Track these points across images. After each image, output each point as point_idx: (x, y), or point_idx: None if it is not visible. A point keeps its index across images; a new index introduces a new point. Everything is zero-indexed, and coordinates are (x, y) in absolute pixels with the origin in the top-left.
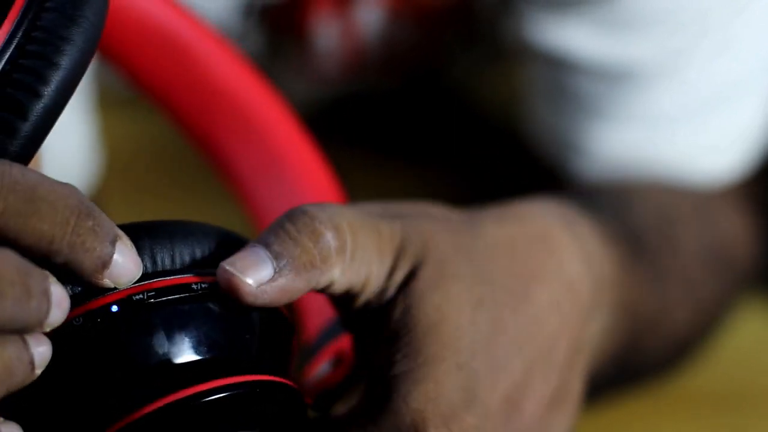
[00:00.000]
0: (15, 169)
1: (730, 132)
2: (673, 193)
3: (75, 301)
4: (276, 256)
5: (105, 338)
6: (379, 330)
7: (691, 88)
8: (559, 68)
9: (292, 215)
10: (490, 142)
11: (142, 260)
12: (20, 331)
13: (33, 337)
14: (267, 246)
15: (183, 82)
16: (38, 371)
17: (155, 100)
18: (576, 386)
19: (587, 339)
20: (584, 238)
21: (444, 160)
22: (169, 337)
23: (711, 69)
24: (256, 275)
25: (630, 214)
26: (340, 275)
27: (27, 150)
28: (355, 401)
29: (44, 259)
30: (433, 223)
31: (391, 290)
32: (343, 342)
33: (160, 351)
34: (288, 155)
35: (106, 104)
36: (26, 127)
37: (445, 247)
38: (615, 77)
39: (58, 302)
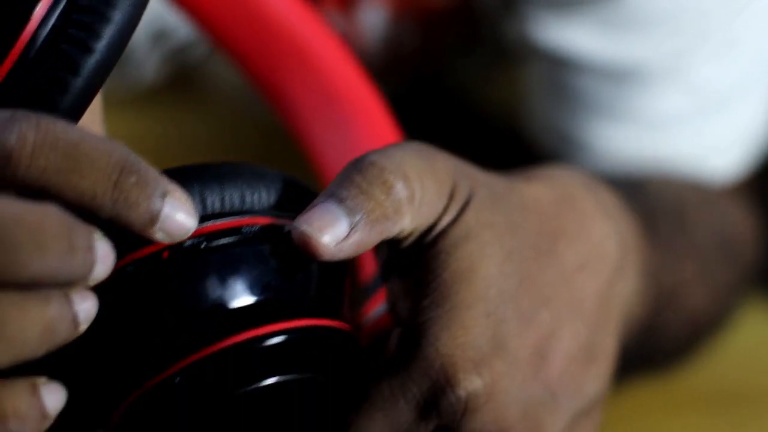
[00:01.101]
0: (58, 126)
1: (732, 131)
2: (683, 183)
3: (126, 248)
4: (350, 212)
5: (157, 285)
6: (410, 273)
7: (694, 87)
8: (562, 68)
9: (361, 167)
10: (492, 142)
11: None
12: (65, 286)
13: (77, 293)
14: (340, 201)
15: (247, 24)
16: (82, 328)
17: (219, 41)
18: (608, 345)
19: (617, 299)
20: (607, 204)
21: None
22: (222, 281)
23: (714, 69)
24: (332, 234)
25: (645, 195)
26: (408, 223)
27: (77, 106)
28: (388, 346)
29: (87, 214)
30: (474, 171)
31: (434, 233)
32: (377, 300)
33: (213, 296)
34: (347, 96)
35: (108, 104)
36: (78, 83)
37: (485, 195)
38: (618, 77)
39: (103, 257)
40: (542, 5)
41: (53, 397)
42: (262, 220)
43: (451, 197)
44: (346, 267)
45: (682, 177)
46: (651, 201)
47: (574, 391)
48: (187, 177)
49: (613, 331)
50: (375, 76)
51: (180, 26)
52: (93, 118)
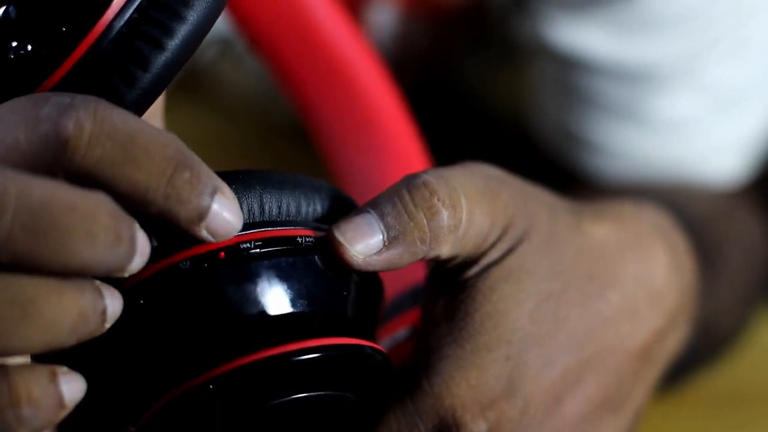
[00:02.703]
0: (116, 116)
1: (743, 133)
2: (709, 196)
3: (180, 245)
4: (388, 228)
5: (210, 285)
6: (446, 302)
7: (705, 89)
8: (573, 69)
9: (412, 185)
10: (501, 143)
11: (251, 208)
12: (104, 275)
13: (107, 289)
14: (381, 216)
15: (287, 33)
16: (108, 325)
17: (258, 46)
18: (639, 395)
19: (663, 351)
20: (677, 248)
21: (455, 161)
22: (271, 290)
23: (725, 71)
24: (365, 246)
25: (690, 221)
26: (448, 250)
27: (143, 101)
28: (400, 372)
29: (135, 207)
30: (539, 207)
31: (477, 267)
32: (405, 320)
33: (260, 303)
34: (381, 120)
35: None
36: (146, 78)
37: (539, 238)
38: (629, 78)
39: (142, 250)
40: (555, 5)
41: (72, 387)
42: (317, 233)
43: (503, 233)
44: (383, 289)
45: (704, 188)
46: (694, 224)
47: None
48: (249, 179)
49: (650, 381)
50: None
51: None
52: (155, 113)
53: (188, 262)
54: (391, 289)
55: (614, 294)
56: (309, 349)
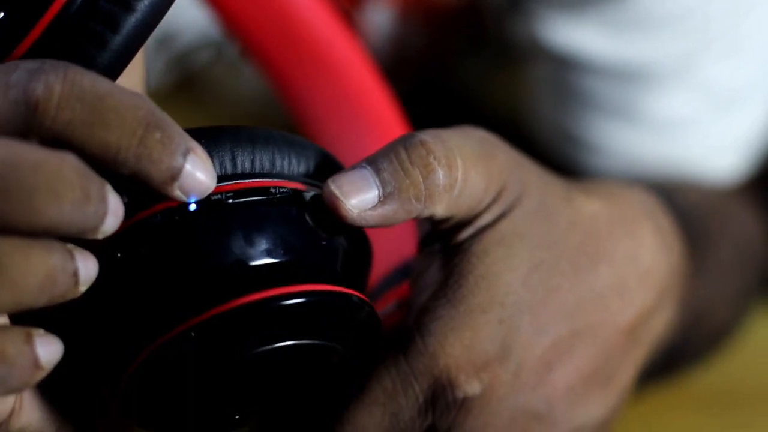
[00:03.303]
0: (86, 78)
1: (739, 132)
2: (703, 190)
3: (153, 199)
4: (383, 183)
5: (183, 236)
6: (440, 265)
7: (701, 88)
8: (569, 69)
9: (409, 143)
10: None
11: (222, 162)
12: (77, 235)
13: (79, 251)
14: (377, 172)
15: (274, 27)
16: (82, 288)
17: (244, 40)
18: (625, 373)
19: (650, 329)
20: (665, 232)
21: None
22: (246, 238)
23: (721, 69)
24: (360, 200)
25: (679, 208)
26: (443, 209)
27: (115, 64)
28: (393, 333)
29: (107, 168)
30: (531, 175)
31: (470, 229)
32: (407, 288)
33: (237, 251)
34: (365, 106)
35: None
36: (116, 41)
37: (532, 204)
38: (626, 78)
39: (114, 210)
40: (550, 5)
41: (48, 349)
42: (292, 184)
43: (497, 197)
44: (371, 246)
45: (697, 182)
46: (686, 214)
47: (574, 410)
48: (221, 136)
49: (636, 360)
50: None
51: (184, 31)
52: (134, 86)
53: (159, 216)
54: (381, 266)
55: (605, 269)
56: (291, 294)
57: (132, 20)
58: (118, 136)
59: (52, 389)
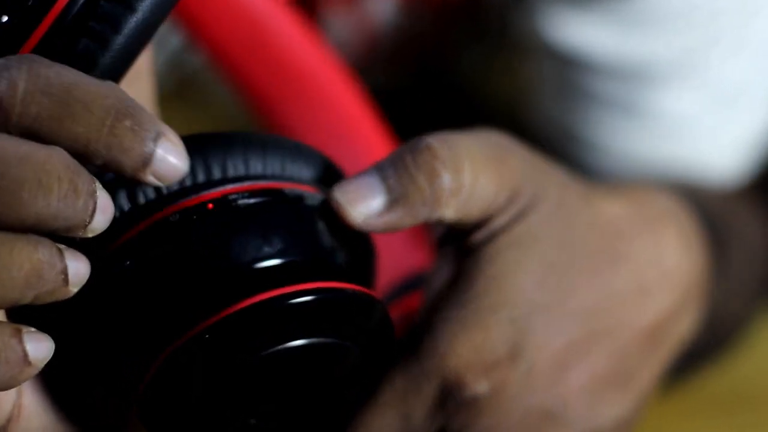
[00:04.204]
0: (51, 71)
1: (744, 131)
2: (713, 190)
3: (169, 200)
4: (389, 190)
5: (200, 235)
6: (446, 268)
7: (706, 86)
8: (572, 66)
9: (415, 148)
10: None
11: (236, 165)
12: (65, 231)
13: (70, 251)
14: (383, 179)
15: (252, 51)
16: (73, 289)
17: (209, 51)
18: (645, 376)
19: (673, 332)
20: (689, 233)
21: None
22: (262, 238)
23: (726, 68)
24: (366, 208)
25: (701, 208)
26: (451, 214)
27: (118, 64)
28: (404, 333)
29: (82, 161)
30: (549, 178)
31: (485, 231)
32: (413, 300)
33: (252, 251)
34: (350, 129)
35: None
36: (118, 41)
37: (548, 207)
38: (630, 76)
39: (104, 208)
40: (554, 1)
41: (37, 345)
42: (303, 187)
43: (511, 199)
44: (373, 248)
45: (702, 183)
46: (713, 221)
47: (590, 411)
48: (233, 140)
49: (658, 363)
50: (383, 66)
51: (177, 33)
52: (145, 99)
53: (177, 215)
54: (387, 277)
55: (624, 270)
56: (305, 291)
57: (134, 20)
58: (86, 128)
59: (59, 400)
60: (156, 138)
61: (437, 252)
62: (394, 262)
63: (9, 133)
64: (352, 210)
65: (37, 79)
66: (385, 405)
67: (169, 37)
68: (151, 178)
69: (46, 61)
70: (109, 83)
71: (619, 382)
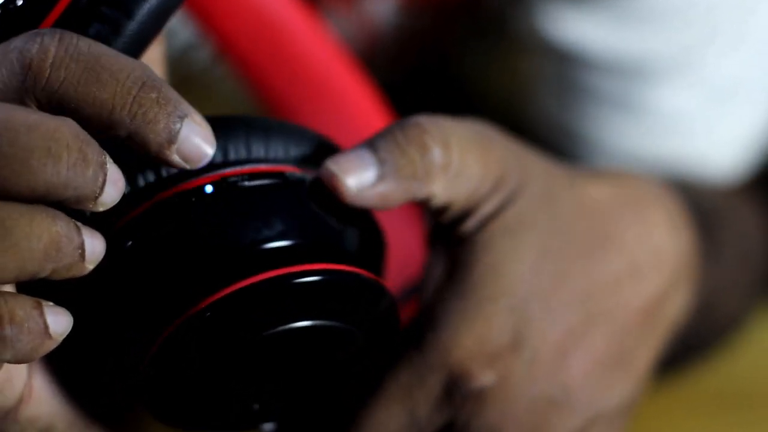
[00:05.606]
0: (81, 41)
1: (742, 129)
2: (706, 185)
3: (170, 182)
4: (381, 162)
5: (199, 217)
6: (447, 257)
7: (704, 83)
8: (570, 63)
9: (405, 124)
10: None
11: (237, 148)
12: (75, 202)
13: (86, 228)
14: (374, 150)
15: (261, 43)
16: (89, 266)
17: (217, 40)
18: (643, 356)
19: (667, 311)
20: (673, 213)
21: None
22: (263, 219)
23: (724, 64)
24: (358, 178)
25: (701, 202)
26: (441, 191)
27: (130, 50)
28: (406, 326)
29: (105, 132)
30: (533, 164)
31: (474, 219)
32: (406, 311)
33: (253, 232)
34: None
35: None
36: (131, 26)
37: (534, 192)
38: (627, 72)
39: (114, 180)
40: None
41: (57, 319)
42: (306, 171)
43: (496, 185)
44: (384, 236)
45: (699, 179)
46: (704, 209)
47: (593, 396)
48: (234, 124)
49: (654, 343)
50: (383, 64)
51: (182, 30)
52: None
53: (177, 197)
54: (400, 278)
55: (615, 252)
56: (307, 272)
57: (146, 6)
58: (111, 94)
59: (66, 383)
60: (182, 116)
61: (429, 248)
62: (408, 263)
63: (35, 97)
64: (345, 180)
65: (68, 46)
66: (391, 400)
67: (172, 36)
68: (176, 158)
69: (78, 35)
70: (138, 61)
71: (618, 365)
